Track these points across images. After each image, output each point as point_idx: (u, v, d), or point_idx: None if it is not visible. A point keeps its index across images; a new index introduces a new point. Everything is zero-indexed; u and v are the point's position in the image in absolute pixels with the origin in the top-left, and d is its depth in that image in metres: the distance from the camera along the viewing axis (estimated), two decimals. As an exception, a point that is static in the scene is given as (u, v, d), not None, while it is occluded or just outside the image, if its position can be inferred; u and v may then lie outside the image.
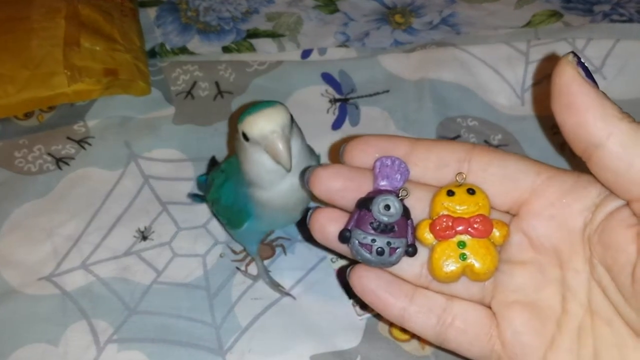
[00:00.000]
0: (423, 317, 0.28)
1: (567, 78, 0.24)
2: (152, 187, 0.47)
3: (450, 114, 0.50)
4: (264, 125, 0.33)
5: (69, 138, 0.50)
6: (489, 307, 0.28)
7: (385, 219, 0.27)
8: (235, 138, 0.35)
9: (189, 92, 0.52)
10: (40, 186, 0.47)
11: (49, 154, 0.49)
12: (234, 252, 0.44)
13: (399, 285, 0.28)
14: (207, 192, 0.42)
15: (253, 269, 0.43)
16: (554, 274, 0.27)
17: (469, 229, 0.27)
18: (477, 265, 0.27)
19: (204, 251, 0.44)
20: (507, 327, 0.27)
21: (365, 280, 0.28)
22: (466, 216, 0.27)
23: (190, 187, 0.47)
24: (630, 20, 0.56)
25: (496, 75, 0.52)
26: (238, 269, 0.43)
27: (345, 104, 0.52)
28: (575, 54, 0.24)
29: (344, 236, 0.27)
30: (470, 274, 0.27)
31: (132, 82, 0.51)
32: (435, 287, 0.28)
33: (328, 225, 0.28)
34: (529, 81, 0.52)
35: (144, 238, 0.44)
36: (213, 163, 0.47)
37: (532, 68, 0.52)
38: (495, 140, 0.49)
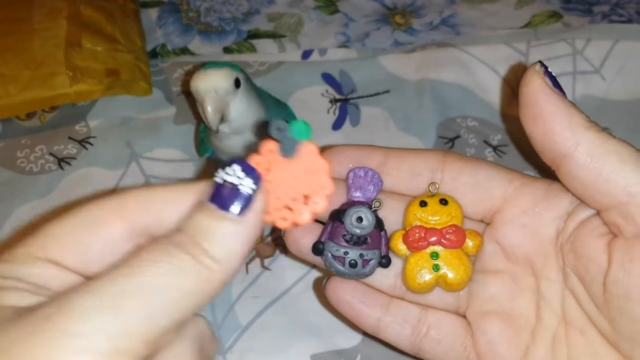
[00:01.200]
0: (398, 327, 0.28)
1: (535, 88, 0.24)
2: (153, 187, 0.47)
3: (450, 114, 0.51)
4: (199, 83, 0.34)
5: (70, 138, 0.50)
6: (464, 317, 0.28)
7: (357, 231, 0.27)
8: None
9: (189, 93, 0.53)
10: (42, 186, 0.47)
11: (51, 154, 0.49)
12: None
13: (373, 296, 0.28)
14: (202, 145, 0.41)
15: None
16: (528, 283, 0.27)
17: (442, 239, 0.27)
18: (450, 275, 0.27)
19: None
20: (482, 337, 0.27)
21: (340, 291, 0.28)
22: (439, 227, 0.27)
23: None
24: (629, 21, 0.56)
25: (496, 75, 0.52)
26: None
27: (345, 104, 0.52)
28: (542, 64, 0.24)
29: (317, 249, 0.27)
30: (443, 284, 0.27)
31: (134, 83, 0.51)
32: (411, 298, 0.29)
33: (302, 238, 0.28)
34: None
35: (145, 237, 0.44)
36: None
37: (531, 68, 0.52)
38: (495, 140, 0.49)
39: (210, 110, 0.34)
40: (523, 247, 0.27)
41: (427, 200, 0.27)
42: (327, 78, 0.53)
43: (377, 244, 0.27)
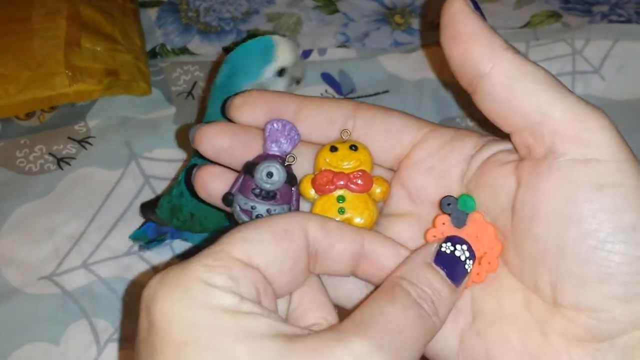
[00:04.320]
0: None
1: (456, 9, 0.24)
2: (152, 187, 0.47)
3: (449, 114, 0.51)
4: (294, 47, 0.35)
5: (70, 138, 0.50)
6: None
7: (267, 186, 0.26)
8: (252, 87, 0.34)
9: (189, 93, 0.53)
10: (41, 186, 0.47)
11: (50, 154, 0.49)
12: None
13: None
14: (174, 215, 0.39)
15: None
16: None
17: (349, 184, 0.27)
18: (355, 219, 0.27)
19: (204, 251, 0.44)
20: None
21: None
22: (348, 171, 0.27)
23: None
24: (629, 21, 0.56)
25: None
26: None
27: (345, 104, 0.52)
28: None
29: (227, 200, 0.27)
30: None
31: (133, 83, 0.51)
32: None
33: (211, 182, 0.28)
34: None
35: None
36: (149, 206, 0.43)
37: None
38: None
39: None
40: (427, 189, 0.27)
41: (337, 145, 0.28)
42: (327, 78, 0.53)
43: (287, 199, 0.27)
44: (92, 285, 0.42)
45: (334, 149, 0.27)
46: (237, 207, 0.27)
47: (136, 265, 0.43)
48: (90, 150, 0.49)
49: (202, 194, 0.28)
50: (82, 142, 0.50)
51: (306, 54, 0.55)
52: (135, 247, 0.44)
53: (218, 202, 0.28)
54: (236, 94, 0.28)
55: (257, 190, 0.26)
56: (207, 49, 0.56)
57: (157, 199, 0.42)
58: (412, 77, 0.53)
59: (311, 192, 0.27)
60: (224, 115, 0.31)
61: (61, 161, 0.48)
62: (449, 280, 0.24)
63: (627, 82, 0.51)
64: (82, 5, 0.53)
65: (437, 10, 0.24)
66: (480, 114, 0.25)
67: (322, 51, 0.55)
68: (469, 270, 0.24)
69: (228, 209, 0.28)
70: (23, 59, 0.50)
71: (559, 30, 0.56)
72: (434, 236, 0.26)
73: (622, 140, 0.23)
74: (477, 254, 0.25)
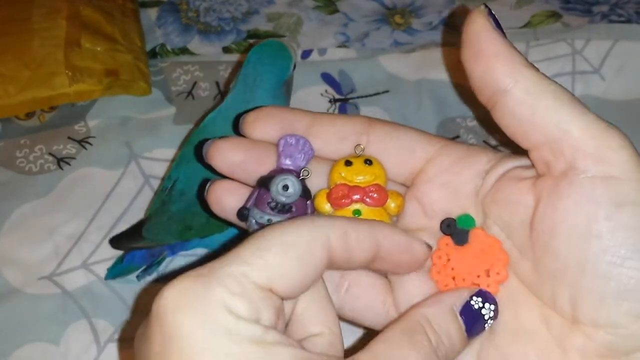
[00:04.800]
0: None
1: (478, 27, 0.24)
2: (152, 187, 0.47)
3: (449, 114, 0.51)
4: (292, 46, 0.41)
5: (70, 138, 0.50)
6: (385, 276, 0.28)
7: (283, 199, 0.26)
8: (272, 91, 0.39)
9: (189, 93, 0.53)
10: (41, 186, 0.47)
11: (50, 154, 0.49)
12: None
13: None
14: (169, 231, 0.39)
15: None
16: None
17: (365, 197, 0.27)
18: None
19: (204, 251, 0.44)
20: (401, 292, 0.27)
21: None
22: (363, 185, 0.27)
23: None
24: (629, 21, 0.56)
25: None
26: None
27: (345, 104, 0.52)
28: (486, 5, 0.25)
29: (242, 214, 0.27)
30: None
31: (133, 83, 0.51)
32: None
33: (225, 197, 0.28)
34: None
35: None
36: (129, 233, 0.42)
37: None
38: (495, 140, 0.49)
39: None
40: (441, 203, 0.27)
41: (352, 160, 0.28)
42: (327, 78, 0.53)
43: (302, 213, 0.27)
44: (92, 285, 0.42)
45: (348, 163, 0.28)
46: (253, 220, 0.27)
47: (136, 265, 0.43)
48: (90, 150, 0.49)
49: (215, 208, 0.28)
50: (82, 142, 0.50)
51: (306, 54, 0.55)
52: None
53: (232, 217, 0.28)
54: (248, 111, 0.29)
55: (273, 204, 0.26)
56: (207, 49, 0.56)
57: (131, 228, 0.41)
58: (412, 77, 0.53)
59: (326, 207, 0.28)
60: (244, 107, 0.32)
61: (61, 161, 0.48)
62: (465, 334, 0.24)
63: (627, 82, 0.51)
64: (82, 5, 0.53)
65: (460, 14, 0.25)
66: (482, 112, 0.25)
67: (322, 51, 0.55)
68: (486, 329, 0.25)
69: (243, 224, 0.28)
70: (23, 59, 0.50)
71: (559, 30, 0.56)
72: (439, 257, 0.27)
73: (639, 158, 0.23)
74: (484, 267, 0.26)
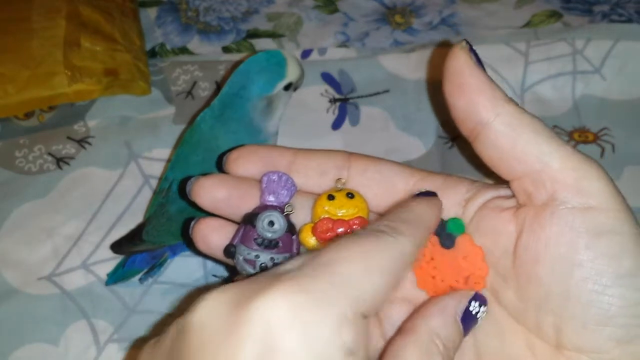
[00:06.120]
0: None
1: (461, 62, 0.25)
2: (152, 187, 0.47)
3: (450, 114, 0.50)
4: (298, 63, 0.39)
5: (69, 138, 0.50)
6: None
7: (268, 234, 0.27)
8: (257, 104, 0.38)
9: (189, 92, 0.53)
10: (40, 186, 0.47)
11: (50, 154, 0.49)
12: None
13: None
14: (168, 233, 0.39)
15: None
16: None
17: (349, 230, 0.28)
18: None
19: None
20: (387, 323, 0.28)
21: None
22: (346, 218, 0.28)
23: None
24: (629, 21, 0.56)
25: (496, 75, 0.52)
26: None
27: (345, 104, 0.52)
28: (467, 42, 0.26)
29: (229, 251, 0.28)
30: None
31: (133, 82, 0.51)
32: None
33: (210, 235, 0.29)
34: (529, 81, 0.52)
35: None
36: (129, 238, 0.42)
37: (532, 68, 0.52)
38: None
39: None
40: None
41: (334, 194, 0.28)
42: (327, 77, 0.53)
43: (288, 248, 0.28)
44: (92, 285, 0.42)
45: (331, 197, 0.28)
46: (240, 257, 0.27)
47: (136, 266, 0.43)
48: (90, 150, 0.49)
49: (201, 246, 0.29)
50: (82, 142, 0.49)
51: (306, 53, 0.55)
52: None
53: (218, 254, 0.29)
54: (232, 149, 0.30)
55: (260, 240, 0.27)
56: (206, 49, 0.56)
57: (131, 232, 0.42)
58: (412, 77, 0.53)
59: (311, 241, 0.28)
60: (220, 123, 0.33)
61: (60, 161, 0.48)
62: (462, 335, 0.25)
63: (628, 82, 0.51)
64: (81, 4, 0.53)
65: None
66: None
67: (322, 51, 0.55)
68: (476, 326, 0.26)
69: (229, 261, 0.28)
70: (22, 59, 0.50)
71: (559, 29, 0.55)
72: (424, 255, 0.27)
73: (616, 189, 0.24)
74: (464, 274, 0.26)
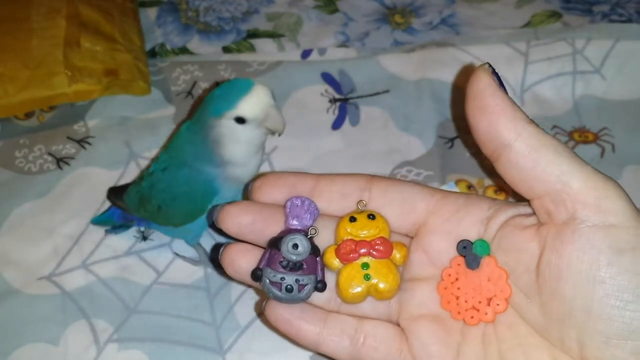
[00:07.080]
0: (337, 339, 0.29)
1: (483, 84, 0.26)
2: (152, 187, 0.47)
3: (449, 114, 0.51)
4: (264, 102, 0.35)
5: (69, 138, 0.50)
6: (398, 325, 0.30)
7: (293, 257, 0.28)
8: (210, 126, 0.36)
9: (189, 92, 0.53)
10: (40, 186, 0.47)
11: (50, 154, 0.49)
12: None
13: (311, 311, 0.30)
14: (141, 205, 0.40)
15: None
16: None
17: (371, 250, 0.29)
18: (380, 285, 0.28)
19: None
20: (415, 340, 0.29)
21: (280, 310, 0.29)
22: (368, 239, 0.29)
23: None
24: (629, 20, 0.56)
25: (496, 75, 0.52)
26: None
27: (345, 104, 0.52)
28: (490, 65, 0.27)
29: (256, 275, 0.29)
30: (375, 293, 0.29)
31: (133, 82, 0.51)
32: (346, 310, 0.30)
33: (238, 259, 0.30)
34: (529, 81, 0.52)
35: (144, 238, 0.44)
36: (117, 191, 0.43)
37: (531, 68, 0.52)
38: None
39: (282, 117, 0.36)
40: (447, 252, 0.29)
41: (356, 216, 0.29)
42: (327, 77, 0.53)
43: (312, 270, 0.29)
44: (92, 285, 0.42)
45: (353, 219, 0.29)
46: (267, 280, 0.28)
47: (136, 266, 0.43)
48: (90, 150, 0.49)
49: (229, 271, 0.30)
50: (82, 142, 0.49)
51: (306, 53, 0.55)
52: (135, 248, 0.44)
53: (246, 278, 0.30)
54: (256, 178, 0.31)
55: (285, 262, 0.28)
56: (206, 49, 0.56)
57: (127, 186, 0.43)
58: (412, 77, 0.53)
59: (335, 262, 0.29)
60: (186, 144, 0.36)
61: (60, 161, 0.48)
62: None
63: (628, 81, 0.51)
64: (81, 4, 0.53)
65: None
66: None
67: (322, 51, 0.55)
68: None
69: (256, 284, 0.29)
70: (22, 59, 0.50)
71: (559, 29, 0.55)
72: (449, 275, 0.28)
73: (635, 207, 0.25)
74: (487, 295, 0.27)
